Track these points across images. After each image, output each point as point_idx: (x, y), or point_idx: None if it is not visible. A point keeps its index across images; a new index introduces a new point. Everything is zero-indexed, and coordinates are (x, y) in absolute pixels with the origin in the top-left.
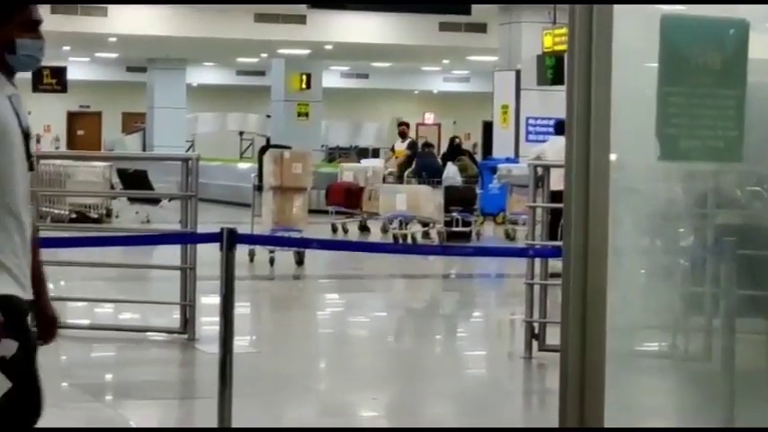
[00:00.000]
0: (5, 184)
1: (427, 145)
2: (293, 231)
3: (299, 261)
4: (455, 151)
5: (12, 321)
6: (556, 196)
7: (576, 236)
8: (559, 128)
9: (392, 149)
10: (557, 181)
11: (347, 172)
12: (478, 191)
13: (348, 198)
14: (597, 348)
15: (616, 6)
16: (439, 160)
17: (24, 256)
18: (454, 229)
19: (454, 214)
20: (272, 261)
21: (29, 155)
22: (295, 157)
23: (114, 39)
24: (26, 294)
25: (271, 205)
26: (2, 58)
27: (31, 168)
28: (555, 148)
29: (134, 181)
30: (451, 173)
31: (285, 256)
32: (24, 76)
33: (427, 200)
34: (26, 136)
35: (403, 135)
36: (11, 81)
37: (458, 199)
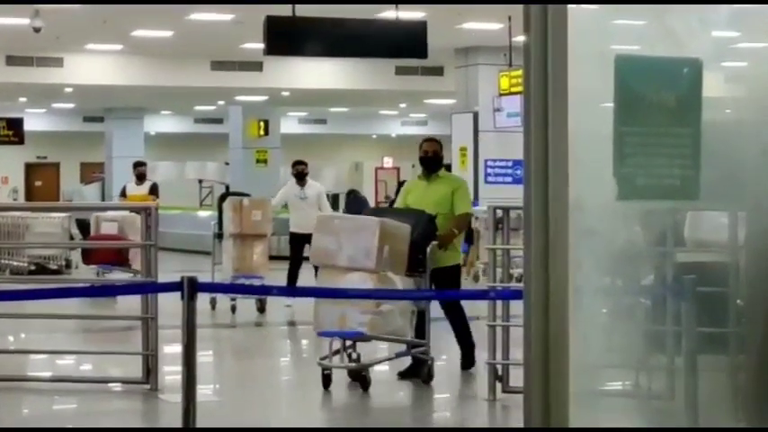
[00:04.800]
0: None
1: (353, 191)
2: (254, 278)
3: (261, 308)
4: None
5: None
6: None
7: (536, 277)
8: None
9: (123, 194)
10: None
11: (107, 223)
12: None
13: (117, 253)
14: (560, 389)
15: (570, 48)
16: (370, 205)
17: None
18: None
19: None
20: (233, 309)
21: None
22: (254, 205)
23: (71, 89)
24: None
25: (231, 253)
26: None
27: None
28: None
29: None
30: None
31: (247, 304)
32: None
33: None
34: None
35: (141, 177)
36: None
37: None
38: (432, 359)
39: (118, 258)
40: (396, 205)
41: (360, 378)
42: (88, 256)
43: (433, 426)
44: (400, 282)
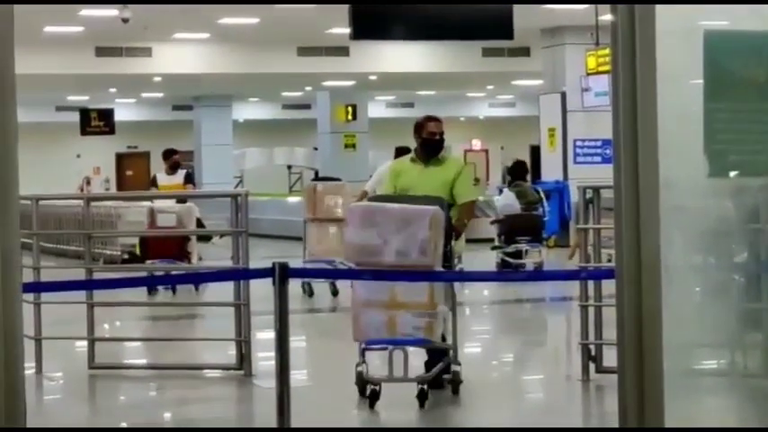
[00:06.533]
0: None
1: None
2: (324, 262)
3: (335, 292)
4: (518, 176)
5: None
6: None
7: (628, 256)
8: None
9: (153, 183)
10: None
11: (163, 215)
12: None
13: (179, 246)
14: (655, 368)
15: (658, 25)
16: None
17: None
18: (524, 260)
19: (523, 245)
20: (310, 292)
21: None
22: (328, 190)
23: (159, 78)
24: None
25: (309, 237)
26: None
27: None
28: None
29: None
30: (509, 199)
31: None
32: (73, 120)
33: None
34: None
35: (175, 166)
36: None
37: (523, 228)
38: (460, 364)
39: (180, 252)
40: (384, 191)
41: (421, 394)
42: (147, 251)
43: (530, 407)
44: None
